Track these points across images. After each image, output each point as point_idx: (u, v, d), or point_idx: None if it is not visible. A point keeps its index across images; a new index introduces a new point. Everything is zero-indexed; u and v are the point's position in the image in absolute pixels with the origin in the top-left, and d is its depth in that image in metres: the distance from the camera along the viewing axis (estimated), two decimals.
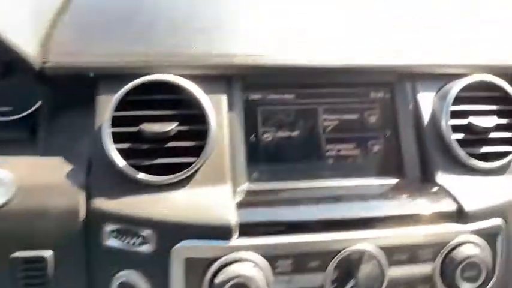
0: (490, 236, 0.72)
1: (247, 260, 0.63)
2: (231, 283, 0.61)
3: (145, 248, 0.65)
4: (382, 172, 0.80)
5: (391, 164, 0.80)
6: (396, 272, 0.68)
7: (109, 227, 0.66)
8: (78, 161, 0.70)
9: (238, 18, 0.84)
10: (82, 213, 0.66)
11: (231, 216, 0.65)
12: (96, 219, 0.66)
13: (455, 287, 0.69)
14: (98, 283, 0.67)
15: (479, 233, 0.70)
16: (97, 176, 0.69)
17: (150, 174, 0.68)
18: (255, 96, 0.79)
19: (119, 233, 0.66)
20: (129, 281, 0.66)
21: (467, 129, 0.79)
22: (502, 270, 0.75)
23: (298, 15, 0.87)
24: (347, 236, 0.67)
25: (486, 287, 0.70)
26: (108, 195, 0.67)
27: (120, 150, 0.68)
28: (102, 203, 0.66)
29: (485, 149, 0.79)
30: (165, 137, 0.69)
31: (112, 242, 0.66)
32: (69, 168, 0.69)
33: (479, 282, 0.69)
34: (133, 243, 0.65)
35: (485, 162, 0.78)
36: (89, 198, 0.67)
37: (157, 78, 0.71)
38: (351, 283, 0.67)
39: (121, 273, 0.66)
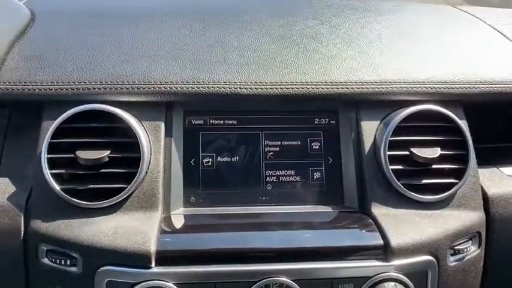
0: (417, 274, 0.71)
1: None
2: None
3: (74, 269, 0.69)
4: (321, 200, 0.80)
5: (330, 193, 0.81)
6: None
7: (44, 247, 0.71)
8: (24, 183, 0.76)
9: (180, 45, 0.86)
10: (21, 233, 0.71)
11: (150, 245, 0.68)
12: (32, 240, 0.71)
13: None
14: None
15: (404, 269, 0.70)
16: (36, 199, 0.73)
17: (85, 199, 0.72)
18: (196, 121, 0.81)
19: (52, 253, 0.71)
20: None
21: (409, 160, 0.78)
22: None
23: (240, 41, 0.88)
24: (264, 267, 0.68)
25: None
26: (44, 217, 0.72)
27: (56, 175, 0.72)
28: (38, 225, 0.71)
29: (426, 181, 0.77)
30: (99, 164, 0.73)
31: (46, 261, 0.71)
32: (13, 190, 0.75)
33: None
34: (64, 264, 0.70)
35: (424, 195, 0.76)
36: (27, 219, 0.72)
37: (92, 108, 0.74)
38: None
39: None
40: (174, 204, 0.77)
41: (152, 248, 0.67)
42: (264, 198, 0.80)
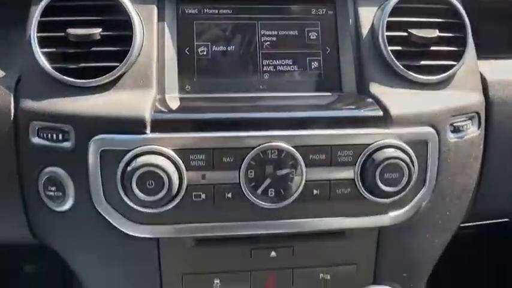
0: (417, 144, 0.70)
1: (159, 153, 0.64)
2: (142, 170, 0.63)
3: (67, 145, 0.68)
4: (319, 88, 0.79)
5: (328, 80, 0.79)
6: (314, 174, 0.68)
7: (35, 125, 0.69)
8: (11, 69, 0.74)
9: None
10: (11, 113, 0.69)
11: (145, 112, 0.66)
12: (23, 119, 0.69)
13: (376, 191, 0.68)
14: (27, 179, 0.70)
15: (404, 138, 0.69)
16: (26, 80, 0.71)
17: (77, 78, 0.70)
18: (190, 10, 0.79)
19: (43, 130, 0.69)
20: (55, 177, 0.69)
21: (407, 41, 0.77)
22: (442, 181, 0.74)
23: None
24: (262, 133, 0.67)
25: (405, 190, 0.69)
26: (35, 96, 0.70)
27: (47, 54, 0.70)
28: (29, 103, 0.69)
29: (424, 62, 0.76)
30: (90, 41, 0.71)
31: (38, 140, 0.69)
32: (1, 74, 0.73)
33: (400, 186, 0.68)
34: (56, 140, 0.68)
35: (423, 76, 0.75)
36: (17, 99, 0.70)
37: None
38: (266, 182, 0.67)
39: (47, 169, 0.69)
40: (169, 91, 0.75)
41: (147, 115, 0.66)
42: (261, 87, 0.78)
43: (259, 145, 0.66)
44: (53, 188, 0.69)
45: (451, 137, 0.74)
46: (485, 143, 0.79)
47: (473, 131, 0.77)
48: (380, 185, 0.67)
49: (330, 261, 0.75)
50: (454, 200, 0.77)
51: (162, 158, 0.64)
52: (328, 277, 0.75)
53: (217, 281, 0.73)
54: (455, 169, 0.75)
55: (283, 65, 0.80)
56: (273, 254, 0.73)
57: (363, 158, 0.68)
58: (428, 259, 0.80)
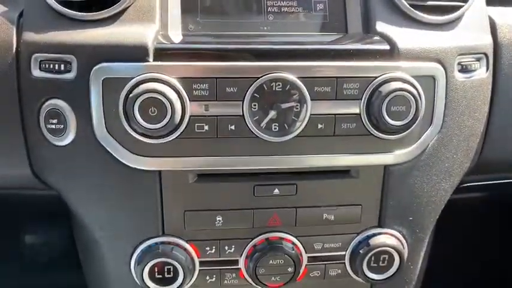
0: (425, 79, 0.69)
1: (162, 80, 0.63)
2: (144, 96, 0.62)
3: (69, 76, 0.67)
4: (324, 29, 0.77)
5: (334, 21, 0.77)
6: (319, 107, 0.67)
7: (37, 57, 0.68)
8: (14, 2, 0.73)
9: None
10: (13, 46, 0.69)
11: (148, 40, 0.65)
12: (25, 51, 0.68)
13: (382, 125, 0.67)
14: (28, 113, 0.69)
15: (411, 72, 0.68)
16: (29, 13, 0.70)
17: (79, 11, 0.69)
18: None
19: (46, 62, 0.67)
20: (56, 110, 0.68)
21: None
22: (449, 121, 0.73)
23: None
24: (267, 63, 0.65)
25: (412, 125, 0.67)
26: (38, 29, 0.69)
27: None
28: (31, 36, 0.68)
29: (432, 2, 0.74)
30: None
31: (40, 73, 0.68)
32: (3, 9, 0.72)
33: (407, 120, 0.66)
34: (58, 71, 0.67)
35: (431, 16, 0.74)
36: (19, 32, 0.69)
37: None
38: (270, 115, 0.66)
39: (49, 102, 0.68)
40: (172, 29, 0.73)
41: (150, 43, 0.65)
42: (265, 28, 0.77)
43: (264, 75, 0.65)
44: (55, 121, 0.68)
45: (459, 76, 0.73)
46: (493, 87, 0.78)
47: (481, 72, 0.75)
48: (386, 118, 0.66)
49: (334, 201, 0.73)
50: (462, 143, 0.76)
51: (165, 85, 0.63)
52: (332, 218, 0.74)
53: (219, 218, 0.72)
54: (463, 110, 0.74)
55: (287, 6, 0.78)
56: (276, 191, 0.72)
57: (369, 91, 0.67)
58: (434, 204, 0.78)
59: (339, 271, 0.78)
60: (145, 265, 0.71)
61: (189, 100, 0.65)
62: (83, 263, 0.97)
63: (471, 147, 0.78)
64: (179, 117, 0.64)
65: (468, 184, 1.03)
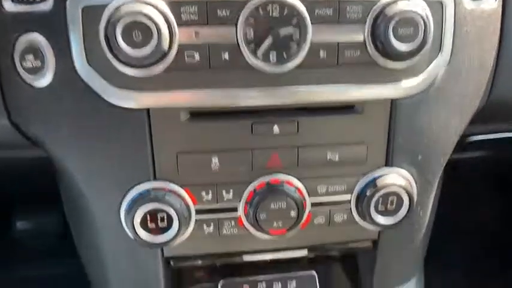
0: (433, 4, 0.64)
1: (146, 2, 0.57)
2: (127, 19, 0.56)
3: (44, 6, 0.60)
4: None
5: None
6: (321, 34, 0.61)
7: None
8: None
9: None
10: None
11: None
12: None
13: (389, 49, 0.61)
14: (1, 53, 0.63)
15: None
16: None
17: None
18: None
19: None
20: (33, 45, 0.62)
21: None
22: (458, 51, 0.68)
23: None
24: None
25: (422, 51, 0.62)
26: None
27: None
28: None
29: None
30: None
31: (11, 5, 0.61)
32: None
33: (415, 44, 0.61)
34: (32, 1, 0.60)
35: None
36: None
37: None
38: (268, 43, 0.60)
39: (24, 37, 0.61)
40: None
41: None
42: None
43: None
44: (31, 57, 0.62)
45: (468, 3, 0.67)
46: (502, 18, 0.72)
47: (490, 2, 0.70)
48: (393, 42, 0.60)
49: (338, 139, 0.68)
50: (471, 76, 0.71)
51: (150, 7, 0.57)
52: (337, 158, 0.69)
53: (215, 160, 0.66)
54: (472, 39, 0.69)
55: None
56: (276, 129, 0.66)
57: (375, 13, 0.61)
58: (444, 143, 0.74)
59: (345, 217, 0.73)
60: (136, 212, 0.65)
61: (177, 25, 0.59)
62: (72, 229, 0.92)
63: (481, 82, 0.73)
64: (167, 44, 0.58)
65: (474, 139, 1.00)
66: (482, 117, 0.80)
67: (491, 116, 0.84)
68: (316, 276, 0.85)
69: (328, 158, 0.69)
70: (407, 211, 0.72)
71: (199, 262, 0.77)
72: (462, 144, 0.98)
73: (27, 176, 0.99)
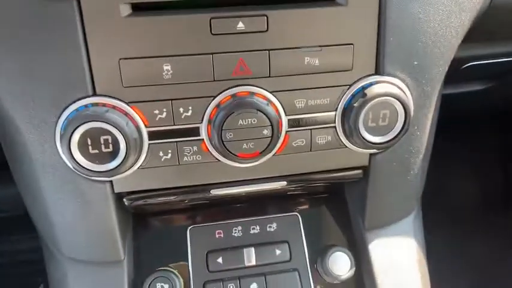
0: None
1: None
2: None
3: None
4: None
5: None
6: None
7: None
8: None
9: None
10: None
11: None
12: None
13: None
14: None
15: None
16: None
17: None
18: None
19: None
20: None
21: None
22: None
23: None
24: None
25: None
26: None
27: None
28: None
29: None
30: None
31: None
32: None
33: None
34: None
35: None
36: None
37: None
38: None
39: None
40: None
41: None
42: None
43: None
44: None
45: None
46: None
47: None
48: None
49: (318, 39, 0.56)
50: None
51: None
52: (317, 62, 0.57)
53: (167, 67, 0.54)
54: None
55: None
56: (241, 26, 0.54)
57: None
58: (442, 47, 0.61)
59: (329, 138, 0.62)
60: (73, 133, 0.53)
61: None
62: (16, 180, 0.79)
63: None
64: None
65: (474, 63, 0.91)
66: (482, 32, 0.69)
67: (491, 31, 0.73)
68: (300, 217, 0.75)
69: (306, 62, 0.57)
70: (403, 127, 0.60)
71: (159, 200, 0.65)
72: (461, 67, 0.88)
73: None
